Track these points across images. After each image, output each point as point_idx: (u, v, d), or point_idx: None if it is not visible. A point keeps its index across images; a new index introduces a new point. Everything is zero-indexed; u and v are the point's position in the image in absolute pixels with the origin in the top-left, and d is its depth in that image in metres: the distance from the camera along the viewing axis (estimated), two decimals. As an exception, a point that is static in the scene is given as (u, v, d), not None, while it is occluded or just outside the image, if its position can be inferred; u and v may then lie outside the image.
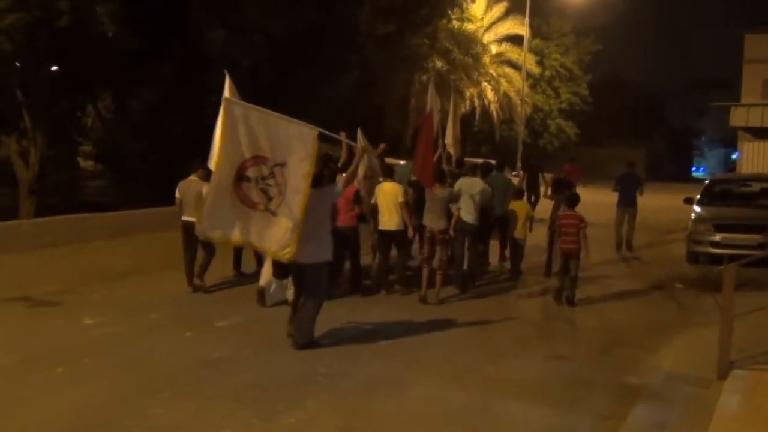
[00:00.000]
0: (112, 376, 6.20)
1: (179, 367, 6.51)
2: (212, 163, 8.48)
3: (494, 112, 35.43)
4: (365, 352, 7.20)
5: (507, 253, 11.91)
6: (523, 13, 31.60)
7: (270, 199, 6.97)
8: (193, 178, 10.02)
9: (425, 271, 9.35)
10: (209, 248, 9.75)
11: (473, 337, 7.94)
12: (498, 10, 35.24)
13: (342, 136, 8.18)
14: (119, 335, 7.53)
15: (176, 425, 5.21)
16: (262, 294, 8.89)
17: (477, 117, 35.53)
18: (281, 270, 8.50)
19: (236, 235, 7.13)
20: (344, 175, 7.85)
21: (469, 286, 10.18)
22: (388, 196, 9.49)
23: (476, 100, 34.31)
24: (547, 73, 41.03)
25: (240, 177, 6.97)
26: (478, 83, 33.91)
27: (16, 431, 5.06)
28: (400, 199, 9.41)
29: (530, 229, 11.42)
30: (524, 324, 8.64)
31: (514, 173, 23.70)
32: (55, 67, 15.66)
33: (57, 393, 5.78)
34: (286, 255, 6.94)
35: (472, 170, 10.99)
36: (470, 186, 10.00)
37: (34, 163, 15.29)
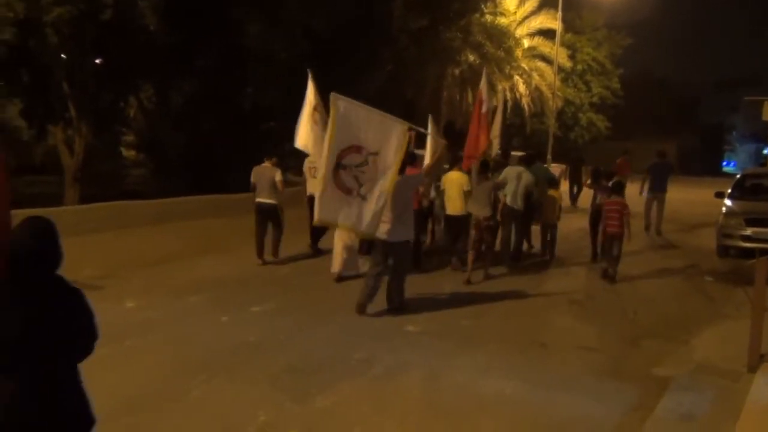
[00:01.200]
0: (153, 358, 6.29)
1: (216, 350, 6.57)
2: (299, 142, 10.69)
3: (525, 106, 35.08)
4: (398, 337, 7.23)
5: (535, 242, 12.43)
6: (555, 7, 31.13)
7: (361, 185, 7.67)
8: (266, 164, 10.72)
9: (471, 256, 9.91)
10: (279, 227, 10.73)
11: (505, 325, 7.90)
12: (531, 4, 34.78)
13: (426, 131, 9.15)
14: (159, 318, 7.62)
15: (213, 407, 5.27)
16: (339, 278, 9.67)
17: (508, 110, 35.14)
18: (366, 246, 9.34)
19: (341, 220, 7.80)
20: (426, 164, 8.83)
21: (513, 266, 10.86)
22: (455, 184, 10.14)
23: (508, 94, 33.96)
24: (579, 66, 40.40)
25: (338, 165, 7.62)
26: (510, 77, 33.55)
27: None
28: (466, 188, 10.06)
29: (558, 217, 11.82)
30: (554, 312, 8.57)
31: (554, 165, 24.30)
32: (99, 60, 15.84)
33: (98, 374, 5.83)
34: (372, 234, 7.79)
35: (517, 160, 11.70)
36: (516, 174, 10.77)
37: (78, 151, 15.51)
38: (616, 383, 6.08)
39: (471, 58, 30.03)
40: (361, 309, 7.91)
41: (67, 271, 3.30)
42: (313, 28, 17.17)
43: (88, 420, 3.24)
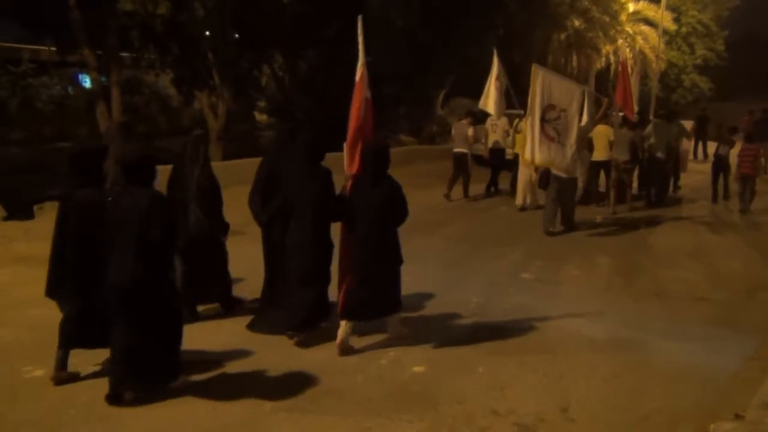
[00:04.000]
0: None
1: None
2: (486, 106, 12.20)
3: (629, 68, 33.19)
4: (514, 283, 7.09)
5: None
6: (661, -29, 29.04)
7: (559, 134, 9.12)
8: (463, 122, 12.18)
9: (613, 193, 11.03)
10: (467, 173, 12.10)
11: (615, 276, 7.53)
12: (637, -30, 32.66)
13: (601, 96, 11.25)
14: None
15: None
16: (522, 208, 11.26)
17: (612, 72, 33.38)
18: (545, 182, 10.26)
19: (538, 159, 9.30)
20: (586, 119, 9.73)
21: (661, 203, 11.90)
22: (602, 135, 11.21)
23: (611, 57, 32.22)
24: (684, 29, 37.69)
25: (543, 119, 9.13)
26: (614, 40, 31.77)
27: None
28: (611, 138, 11.09)
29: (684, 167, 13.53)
30: (668, 263, 8.05)
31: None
32: (237, 35, 16.15)
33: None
34: (568, 172, 9.25)
35: (660, 117, 12.91)
36: (661, 129, 11.78)
37: (221, 114, 15.95)
38: (733, 333, 5.66)
39: (577, 23, 28.63)
40: (546, 230, 9.38)
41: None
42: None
43: (401, 259, 5.16)
